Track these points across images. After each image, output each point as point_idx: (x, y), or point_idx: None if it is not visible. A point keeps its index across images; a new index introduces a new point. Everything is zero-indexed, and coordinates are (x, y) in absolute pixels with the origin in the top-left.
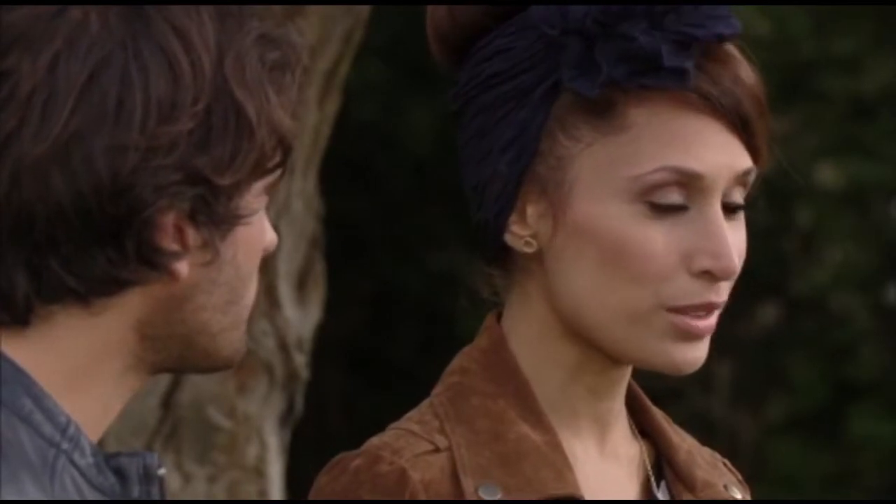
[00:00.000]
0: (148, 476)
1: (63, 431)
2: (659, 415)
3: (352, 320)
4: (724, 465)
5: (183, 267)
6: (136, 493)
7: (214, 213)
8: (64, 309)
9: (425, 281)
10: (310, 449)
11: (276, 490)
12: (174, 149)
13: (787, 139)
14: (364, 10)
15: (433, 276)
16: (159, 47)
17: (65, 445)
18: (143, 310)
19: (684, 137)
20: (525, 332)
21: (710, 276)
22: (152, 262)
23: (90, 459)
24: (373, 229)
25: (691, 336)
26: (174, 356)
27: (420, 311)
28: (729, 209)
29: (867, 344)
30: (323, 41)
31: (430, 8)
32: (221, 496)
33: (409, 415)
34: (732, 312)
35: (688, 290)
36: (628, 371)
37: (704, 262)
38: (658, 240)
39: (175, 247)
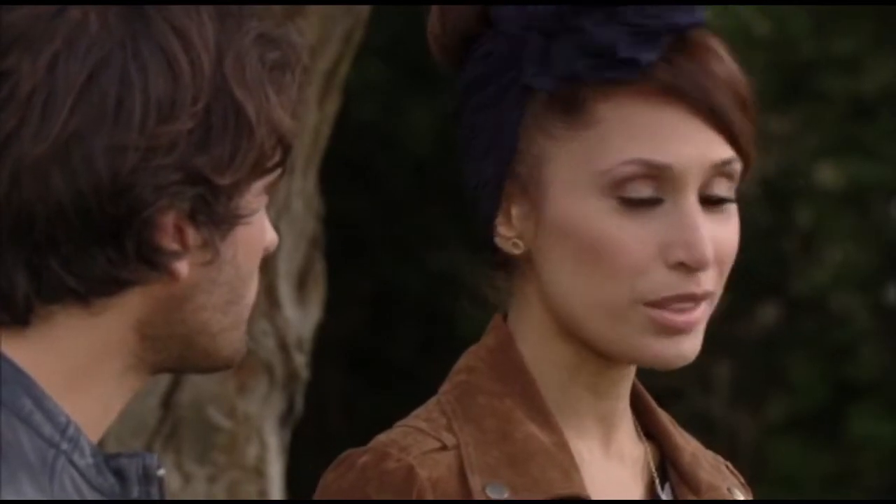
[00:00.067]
0: (147, 477)
1: (63, 432)
2: (664, 416)
3: (352, 320)
4: (727, 468)
5: (183, 267)
6: (135, 493)
7: (214, 213)
8: (64, 309)
9: (425, 281)
10: (310, 449)
11: (276, 490)
12: (174, 148)
13: (787, 139)
14: (364, 10)
15: (433, 276)
16: (159, 47)
17: (64, 446)
18: (143, 310)
19: (651, 130)
20: (526, 333)
21: (685, 268)
22: (152, 261)
23: (90, 460)
24: (373, 229)
25: (672, 331)
26: (174, 356)
27: (420, 311)
28: (711, 201)
29: (867, 344)
30: (323, 41)
31: (431, 9)
32: (221, 496)
33: (416, 412)
34: (732, 312)
35: (664, 282)
36: (629, 371)
37: (678, 254)
38: (630, 234)
39: (175, 246)
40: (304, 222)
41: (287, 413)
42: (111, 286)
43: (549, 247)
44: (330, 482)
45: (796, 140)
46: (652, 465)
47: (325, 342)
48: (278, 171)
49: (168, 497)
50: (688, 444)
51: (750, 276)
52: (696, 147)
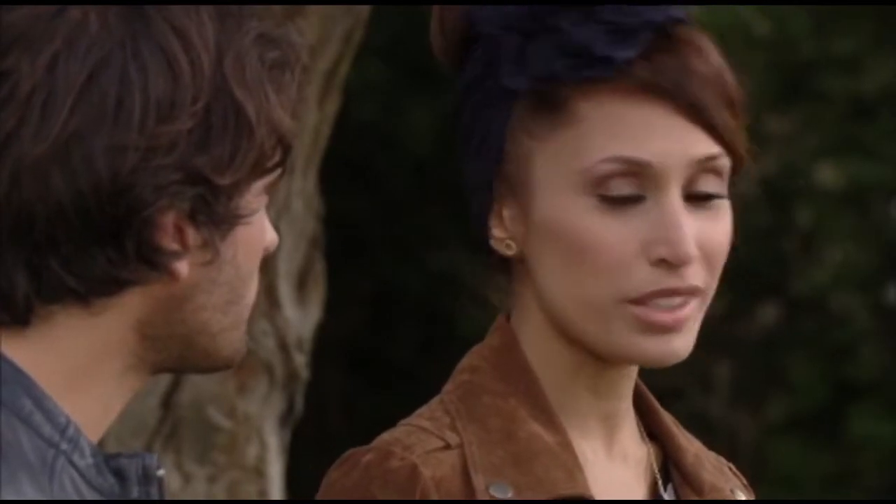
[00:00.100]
0: (147, 477)
1: (62, 432)
2: (667, 417)
3: (352, 320)
4: (730, 469)
5: (183, 267)
6: (135, 493)
7: (214, 213)
8: (64, 309)
9: (425, 281)
10: (310, 449)
11: (276, 490)
12: (174, 148)
13: (787, 139)
14: (364, 10)
15: (433, 276)
16: (159, 47)
17: (64, 446)
18: (143, 310)
19: (630, 127)
20: (526, 334)
21: (667, 265)
22: (152, 261)
23: (89, 460)
24: (373, 229)
25: (658, 329)
26: (174, 356)
27: (420, 311)
28: (697, 198)
29: (867, 344)
30: (323, 41)
31: (433, 10)
32: (221, 496)
33: (419, 411)
34: (732, 312)
35: (647, 279)
36: (629, 371)
37: (660, 251)
38: (612, 232)
39: (175, 246)
40: (304, 222)
41: (287, 413)
42: (111, 286)
43: (538, 247)
44: (333, 481)
45: (796, 140)
46: (655, 465)
47: (325, 342)
48: (278, 171)
49: (168, 497)
50: (691, 445)
51: (750, 276)
52: (677, 143)
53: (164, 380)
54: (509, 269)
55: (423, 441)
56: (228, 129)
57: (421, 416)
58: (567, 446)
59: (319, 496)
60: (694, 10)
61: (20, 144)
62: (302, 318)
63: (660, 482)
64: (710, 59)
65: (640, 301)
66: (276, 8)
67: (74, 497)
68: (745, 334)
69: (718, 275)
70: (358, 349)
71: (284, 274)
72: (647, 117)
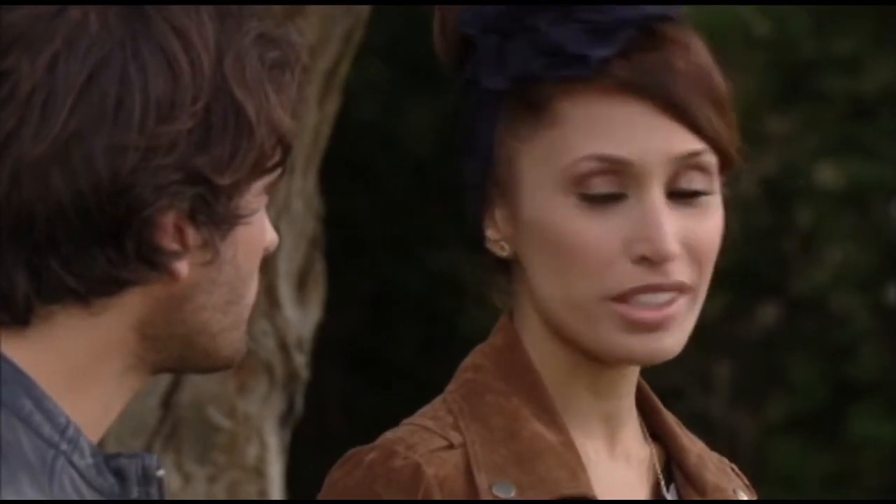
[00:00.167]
0: (147, 477)
1: (62, 432)
2: (670, 418)
3: (352, 320)
4: (732, 469)
5: (183, 267)
6: (135, 493)
7: (214, 213)
8: (64, 309)
9: (425, 281)
10: (310, 449)
11: (276, 490)
12: (174, 148)
13: (787, 139)
14: (364, 10)
15: (433, 276)
16: (158, 47)
17: (64, 446)
18: (143, 310)
19: (609, 125)
20: (526, 334)
21: (648, 262)
22: (152, 261)
23: (89, 460)
24: (373, 229)
25: (644, 327)
26: (174, 356)
27: (420, 311)
28: (682, 195)
29: (867, 344)
30: (323, 41)
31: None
32: (221, 496)
33: (422, 410)
34: (732, 312)
35: (628, 276)
36: (629, 371)
37: (641, 248)
38: (594, 231)
39: (175, 246)
40: (304, 222)
41: (287, 413)
42: (111, 286)
43: (528, 248)
44: (336, 480)
45: (796, 140)
46: (657, 466)
47: (325, 342)
48: (278, 170)
49: (168, 497)
50: (693, 446)
51: (750, 276)
52: (657, 141)
53: (164, 380)
54: (509, 269)
55: (426, 440)
56: (228, 129)
57: (424, 416)
58: (570, 446)
59: (322, 495)
60: (693, 10)
61: (20, 144)
62: (302, 318)
63: (662, 482)
64: (693, 56)
65: (622, 298)
66: (276, 8)
67: (74, 497)
68: (745, 334)
69: (709, 272)
70: (358, 349)
71: (284, 274)
72: (627, 115)
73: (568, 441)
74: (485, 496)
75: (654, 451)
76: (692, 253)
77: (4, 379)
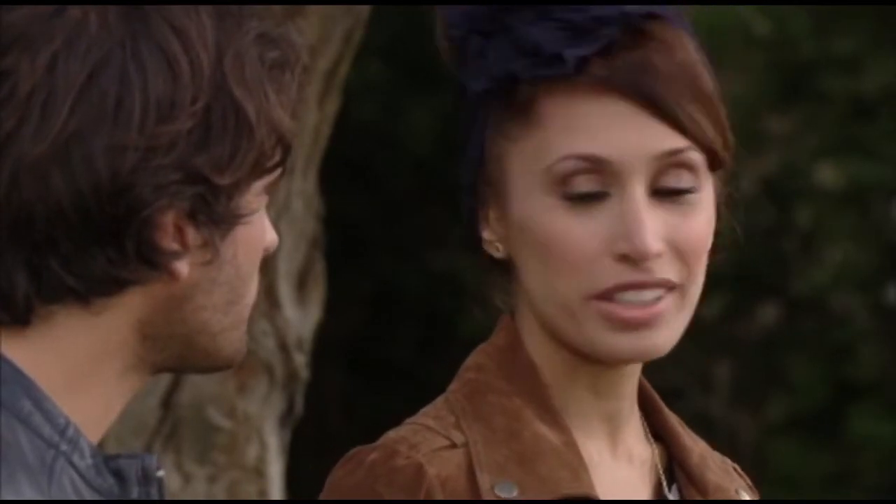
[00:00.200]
0: (147, 478)
1: (62, 433)
2: (672, 417)
3: (352, 320)
4: (735, 469)
5: (183, 266)
6: (134, 494)
7: (214, 213)
8: (64, 309)
9: (425, 281)
10: (310, 449)
11: (276, 490)
12: (173, 148)
13: (787, 139)
14: (364, 10)
15: (433, 276)
16: (158, 47)
17: (63, 447)
18: (143, 309)
19: (589, 124)
20: (526, 334)
21: (630, 260)
22: (152, 261)
23: (89, 461)
24: (373, 229)
25: (628, 325)
26: (175, 356)
27: (420, 311)
28: (667, 193)
29: (867, 344)
30: (323, 41)
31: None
32: (221, 496)
33: (424, 410)
34: (732, 312)
35: (609, 274)
36: (628, 370)
37: (622, 246)
38: (577, 230)
39: (175, 246)
40: (304, 222)
41: (287, 413)
42: (111, 286)
43: (519, 249)
44: (338, 479)
45: (796, 140)
46: (659, 466)
47: (325, 342)
48: (278, 170)
49: (168, 497)
50: (696, 446)
51: (750, 276)
52: (636, 139)
53: (164, 380)
54: (508, 269)
55: (428, 440)
56: (228, 129)
57: (426, 415)
58: (572, 446)
59: (324, 495)
60: (693, 10)
61: (20, 144)
62: (302, 318)
63: (664, 483)
64: (677, 54)
65: (604, 296)
66: (276, 8)
67: (73, 498)
68: (745, 334)
69: (699, 269)
70: (358, 349)
71: (284, 274)
72: (606, 114)
73: (570, 441)
74: (487, 496)
75: (656, 451)
76: (678, 250)
77: (4, 379)
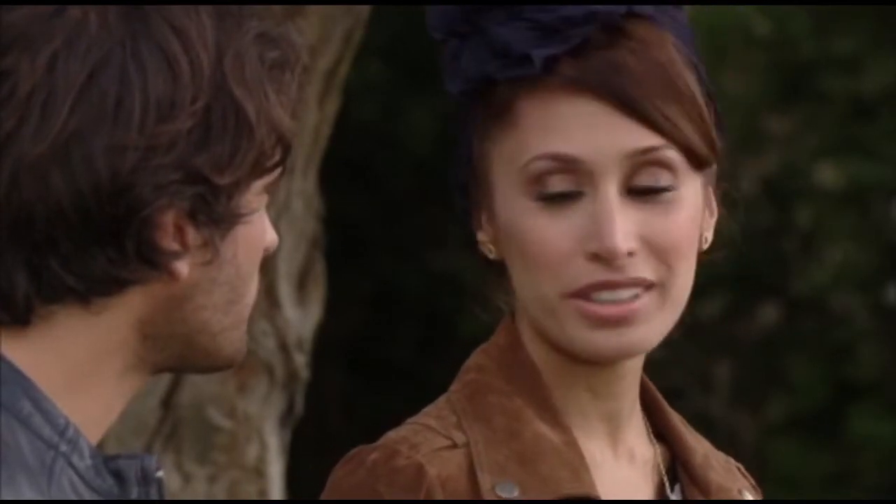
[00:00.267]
0: (146, 478)
1: (62, 433)
2: (675, 417)
3: (352, 320)
4: (739, 469)
5: (183, 266)
6: (134, 494)
7: (214, 212)
8: (64, 308)
9: (425, 281)
10: (310, 449)
11: (276, 490)
12: (173, 148)
13: (787, 139)
14: (364, 10)
15: (433, 276)
16: (158, 47)
17: (63, 448)
18: (143, 309)
19: (560, 124)
20: (524, 335)
21: (601, 259)
22: (152, 261)
23: (88, 461)
24: (373, 229)
25: (605, 322)
26: (175, 356)
27: (420, 311)
28: (640, 191)
29: (867, 344)
30: (323, 41)
31: None
32: (221, 496)
33: (426, 410)
34: (732, 312)
35: (584, 273)
36: (626, 370)
37: (592, 245)
38: (551, 229)
39: (175, 246)
40: (304, 222)
41: (287, 413)
42: (111, 286)
43: (506, 249)
44: (339, 479)
45: (796, 140)
46: (662, 466)
47: (325, 342)
48: (278, 170)
49: (168, 497)
50: (699, 446)
51: (750, 276)
52: (607, 138)
53: (164, 380)
54: (503, 270)
55: (429, 440)
56: (228, 129)
57: (428, 415)
58: (573, 446)
59: (324, 495)
60: (694, 10)
61: (20, 144)
62: (302, 318)
63: (666, 483)
64: (652, 53)
65: (580, 294)
66: (276, 8)
67: (73, 498)
68: (745, 334)
69: (682, 266)
70: (358, 349)
71: (284, 274)
72: (577, 114)
73: (571, 441)
74: (488, 496)
75: (658, 450)
76: (655, 248)
77: (4, 380)
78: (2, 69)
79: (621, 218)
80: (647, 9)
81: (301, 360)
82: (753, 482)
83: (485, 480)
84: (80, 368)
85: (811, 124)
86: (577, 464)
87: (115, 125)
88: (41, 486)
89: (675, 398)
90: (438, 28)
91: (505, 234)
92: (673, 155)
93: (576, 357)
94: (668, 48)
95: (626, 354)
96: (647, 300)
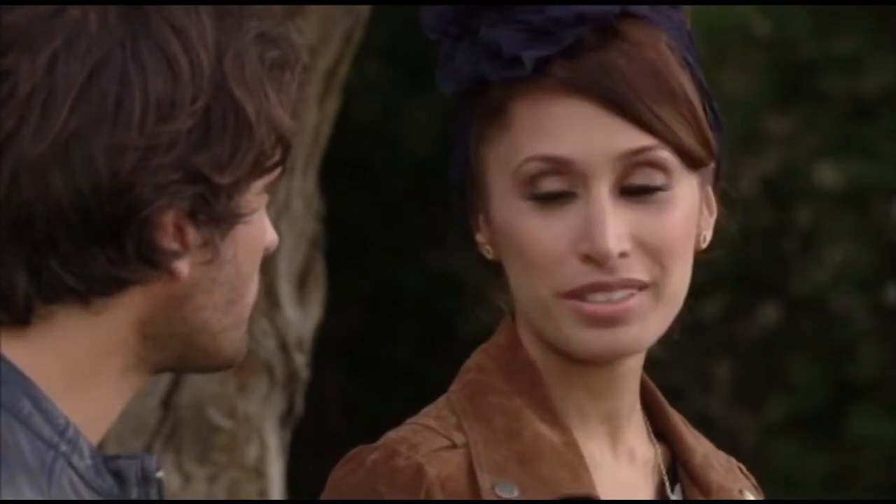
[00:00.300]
0: (146, 478)
1: (62, 433)
2: (676, 417)
3: (352, 320)
4: (740, 469)
5: (183, 266)
6: (134, 494)
7: (214, 212)
8: (64, 308)
9: (425, 281)
10: (310, 449)
11: (276, 490)
12: (173, 147)
13: (787, 139)
14: (364, 10)
15: (433, 276)
16: (158, 47)
17: (63, 448)
18: (143, 309)
19: (552, 125)
20: (524, 336)
21: (592, 260)
22: (152, 261)
23: (88, 462)
24: (373, 229)
25: (598, 321)
26: (175, 355)
27: (420, 311)
28: (633, 191)
29: (867, 344)
30: (323, 41)
31: None
32: (221, 496)
33: (425, 410)
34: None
35: (576, 274)
36: (624, 371)
37: (584, 247)
38: (545, 230)
39: (175, 246)
40: (304, 222)
41: (287, 413)
42: (111, 286)
43: (502, 250)
44: (339, 479)
45: (796, 140)
46: (662, 466)
47: (325, 342)
48: (278, 169)
49: (168, 497)
50: (700, 445)
51: (750, 276)
52: (598, 139)
53: (164, 380)
54: (502, 270)
55: (428, 440)
56: (228, 129)
57: (427, 416)
58: (573, 446)
59: (324, 495)
60: (694, 11)
61: (20, 144)
62: (302, 318)
63: (667, 483)
64: (645, 53)
65: (574, 295)
66: (276, 8)
67: (73, 498)
68: (745, 334)
69: (677, 266)
70: (358, 349)
71: (284, 274)
72: (569, 115)
73: (570, 441)
74: (487, 496)
75: (658, 450)
76: (648, 248)
77: (4, 380)
78: (2, 69)
79: (613, 219)
80: (642, 9)
81: (301, 360)
82: (755, 482)
83: (484, 480)
84: (80, 368)
85: (811, 124)
86: (577, 464)
87: (115, 125)
88: (41, 486)
89: (675, 398)
90: (433, 29)
91: (500, 236)
92: (666, 155)
93: (572, 357)
94: (661, 48)
95: (621, 353)
96: (641, 299)
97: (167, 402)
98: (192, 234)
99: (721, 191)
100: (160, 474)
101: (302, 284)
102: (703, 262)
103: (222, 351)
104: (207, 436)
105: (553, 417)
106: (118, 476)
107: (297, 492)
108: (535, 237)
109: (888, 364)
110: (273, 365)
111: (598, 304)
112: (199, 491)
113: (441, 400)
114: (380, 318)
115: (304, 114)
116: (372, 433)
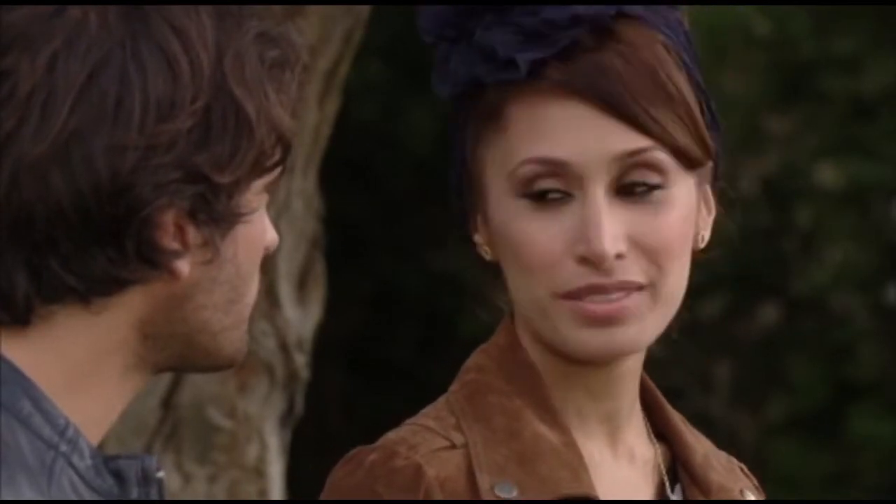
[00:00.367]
0: (147, 479)
1: (62, 433)
2: (676, 417)
3: (352, 320)
4: (741, 469)
5: (183, 265)
6: (134, 494)
7: (214, 211)
8: (64, 308)
9: (425, 281)
10: (310, 449)
11: (276, 490)
12: (173, 147)
13: (787, 139)
14: (364, 10)
15: (433, 276)
16: (158, 47)
17: (63, 448)
18: (144, 309)
19: (547, 127)
20: (523, 337)
21: (589, 262)
22: (152, 260)
23: (89, 462)
24: (373, 229)
25: (596, 321)
26: (176, 355)
27: (420, 311)
28: (629, 192)
29: (867, 344)
30: (323, 41)
31: None
32: (221, 496)
33: (425, 410)
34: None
35: (574, 275)
36: (623, 371)
37: (580, 249)
38: (541, 231)
39: (175, 245)
40: (304, 222)
41: (287, 413)
42: (111, 285)
43: (500, 251)
44: (338, 479)
45: (796, 140)
46: (662, 466)
47: (325, 342)
48: (278, 169)
49: (168, 497)
50: (700, 445)
51: (750, 276)
52: (594, 140)
53: (164, 380)
54: (500, 271)
55: (427, 440)
56: (228, 128)
57: (427, 416)
58: (572, 446)
59: (323, 495)
60: (694, 11)
61: (20, 144)
62: (302, 318)
63: (667, 483)
64: (641, 54)
65: (571, 296)
66: (276, 8)
67: (73, 498)
68: (745, 334)
69: (675, 266)
70: (358, 349)
71: (284, 274)
72: (564, 117)
73: (570, 441)
74: (486, 496)
75: (658, 450)
76: (645, 249)
77: (4, 380)
78: (2, 69)
79: (609, 221)
80: (638, 9)
81: (301, 360)
82: (756, 482)
83: (483, 481)
84: (81, 368)
85: (811, 124)
86: (576, 464)
87: (115, 125)
88: (41, 486)
89: (675, 398)
90: (429, 32)
91: (498, 237)
92: (662, 156)
93: (570, 357)
94: (657, 49)
95: (618, 353)
96: (637, 299)
97: (167, 402)
98: (193, 234)
99: (720, 190)
100: (160, 474)
101: (302, 284)
102: (702, 261)
103: (223, 350)
104: (207, 436)
105: (552, 418)
106: (118, 476)
107: (297, 492)
108: (531, 239)
109: (888, 364)
110: (273, 365)
111: (595, 304)
112: (199, 491)
113: (440, 400)
114: (380, 318)
115: (304, 114)
116: (372, 433)
